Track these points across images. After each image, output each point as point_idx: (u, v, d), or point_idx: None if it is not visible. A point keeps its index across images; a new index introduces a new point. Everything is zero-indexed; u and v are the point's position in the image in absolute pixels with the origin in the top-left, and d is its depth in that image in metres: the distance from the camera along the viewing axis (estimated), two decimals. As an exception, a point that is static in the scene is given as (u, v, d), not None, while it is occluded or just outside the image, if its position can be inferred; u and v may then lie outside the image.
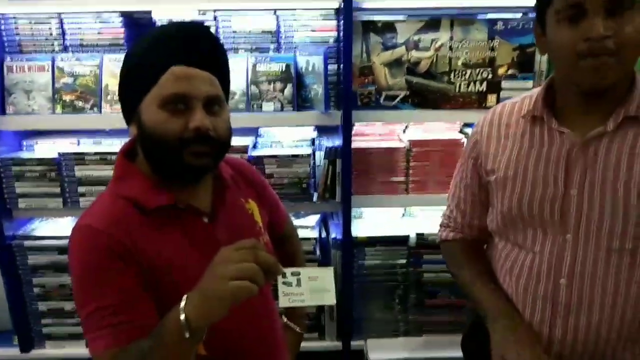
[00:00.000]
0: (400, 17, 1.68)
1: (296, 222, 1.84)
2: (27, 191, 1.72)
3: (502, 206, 1.02)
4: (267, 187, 1.18)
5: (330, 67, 1.70)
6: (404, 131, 1.91)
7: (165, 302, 0.80)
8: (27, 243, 1.77)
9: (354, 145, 1.71)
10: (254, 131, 1.89)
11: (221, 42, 0.95)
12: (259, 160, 1.72)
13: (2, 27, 1.70)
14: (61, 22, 1.70)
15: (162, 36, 0.88)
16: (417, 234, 1.81)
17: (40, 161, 1.70)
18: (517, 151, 1.00)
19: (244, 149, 1.74)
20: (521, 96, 1.05)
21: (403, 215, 1.99)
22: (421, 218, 1.97)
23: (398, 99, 1.71)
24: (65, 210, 1.76)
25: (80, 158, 1.70)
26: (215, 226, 0.96)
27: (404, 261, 1.82)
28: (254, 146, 1.84)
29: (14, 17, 1.70)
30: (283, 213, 1.24)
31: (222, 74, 0.93)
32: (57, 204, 1.73)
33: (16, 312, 1.83)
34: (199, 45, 0.88)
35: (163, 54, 0.86)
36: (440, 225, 1.22)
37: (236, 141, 1.74)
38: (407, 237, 1.82)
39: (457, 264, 1.16)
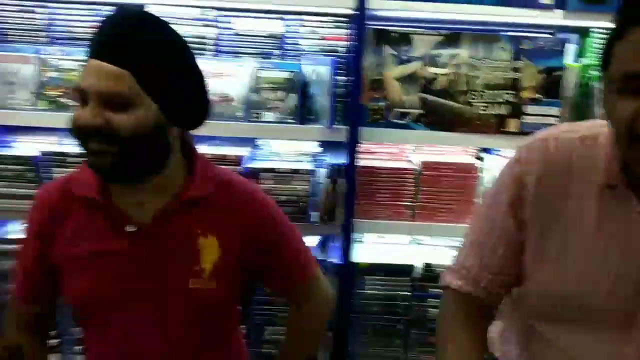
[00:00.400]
0: (418, 29, 1.54)
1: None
2: (3, 191, 1.59)
3: (553, 287, 0.85)
4: (277, 241, 1.04)
5: (338, 78, 1.57)
6: (414, 151, 1.77)
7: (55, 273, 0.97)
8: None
9: (360, 163, 1.57)
10: (250, 142, 1.75)
11: (164, 36, 0.88)
12: (254, 174, 1.58)
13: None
14: (49, 12, 1.57)
15: (97, 27, 0.87)
16: (425, 265, 1.67)
17: (18, 159, 1.57)
18: (581, 221, 0.82)
19: (237, 160, 1.60)
20: (578, 133, 0.85)
21: (410, 242, 1.84)
22: (429, 247, 1.81)
23: (410, 117, 1.56)
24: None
25: (61, 159, 1.56)
26: (138, 239, 0.93)
27: (407, 293, 1.67)
28: (250, 158, 1.70)
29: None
30: (294, 274, 1.08)
31: (144, 71, 0.84)
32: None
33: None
34: (113, 38, 0.84)
35: (90, 46, 0.86)
36: (449, 269, 1.05)
37: (230, 151, 1.63)
38: (412, 267, 1.67)
39: (447, 325, 0.98)
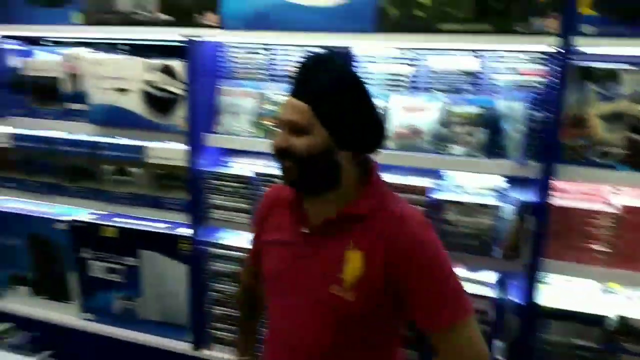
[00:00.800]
0: (625, 66, 1.46)
1: (469, 274, 1.70)
2: (221, 204, 1.88)
3: None
4: (422, 275, 1.03)
5: (533, 113, 1.55)
6: (613, 194, 1.64)
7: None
8: (214, 251, 1.93)
9: (552, 202, 1.52)
10: (434, 173, 1.80)
11: (339, 75, 1.04)
12: (439, 205, 1.64)
13: (221, 54, 1.91)
14: (270, 53, 1.85)
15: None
16: (619, 317, 1.53)
17: (236, 178, 1.84)
18: None
19: (421, 190, 1.67)
20: None
21: (603, 290, 1.69)
22: (624, 297, 1.66)
23: (614, 157, 1.47)
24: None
25: (268, 180, 1.81)
26: (308, 239, 1.12)
27: (596, 345, 1.55)
28: (435, 189, 1.76)
29: (230, 46, 1.90)
30: (434, 316, 1.04)
31: (319, 105, 1.02)
32: (245, 219, 1.85)
33: (194, 311, 2.00)
34: (299, 78, 1.05)
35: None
36: None
37: (415, 181, 1.70)
38: (604, 318, 1.55)
39: None
